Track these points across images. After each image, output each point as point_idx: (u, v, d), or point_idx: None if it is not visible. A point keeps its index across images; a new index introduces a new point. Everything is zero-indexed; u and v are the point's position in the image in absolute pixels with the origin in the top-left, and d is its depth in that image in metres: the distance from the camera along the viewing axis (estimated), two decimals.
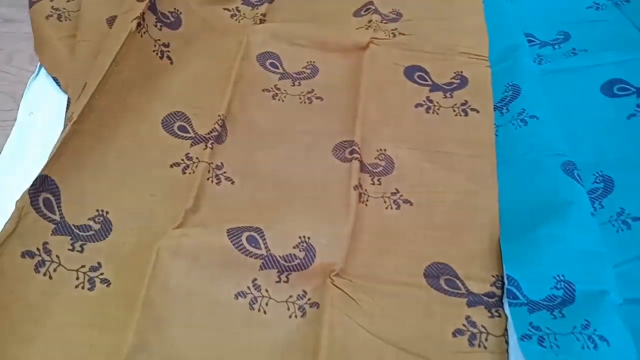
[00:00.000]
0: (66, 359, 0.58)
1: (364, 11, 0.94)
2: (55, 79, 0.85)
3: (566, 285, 0.65)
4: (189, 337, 0.59)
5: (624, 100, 0.85)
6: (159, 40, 0.84)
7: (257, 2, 0.97)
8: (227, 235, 0.64)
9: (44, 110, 0.83)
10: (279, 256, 0.64)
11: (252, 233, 0.65)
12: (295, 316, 0.63)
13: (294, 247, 0.65)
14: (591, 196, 0.75)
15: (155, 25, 0.84)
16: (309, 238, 0.66)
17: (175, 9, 0.88)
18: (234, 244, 0.63)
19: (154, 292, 0.60)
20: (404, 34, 0.91)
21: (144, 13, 0.81)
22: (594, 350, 0.58)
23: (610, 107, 0.85)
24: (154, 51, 0.83)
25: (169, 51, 0.85)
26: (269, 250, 0.64)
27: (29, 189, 0.65)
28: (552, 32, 0.99)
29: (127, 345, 0.56)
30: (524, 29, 0.98)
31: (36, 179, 0.66)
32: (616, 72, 0.88)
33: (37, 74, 0.87)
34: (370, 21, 0.91)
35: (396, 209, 0.73)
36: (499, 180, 0.77)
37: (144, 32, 0.82)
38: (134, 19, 0.79)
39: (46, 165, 0.68)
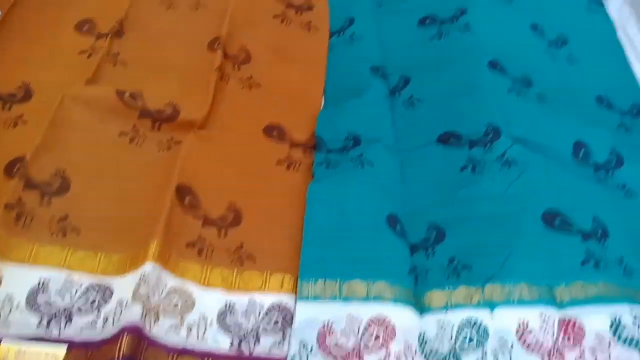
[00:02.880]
0: None
1: None
2: None
3: (355, 137, 0.93)
4: (80, 153, 0.84)
5: (430, 28, 1.15)
6: None
7: None
8: (115, 93, 0.89)
9: None
10: (153, 110, 0.90)
11: (134, 92, 0.91)
12: (163, 150, 0.89)
13: (164, 105, 0.91)
14: (394, 90, 1.05)
15: None
16: (176, 102, 0.92)
17: None
18: (119, 98, 0.89)
19: (57, 121, 0.84)
20: None
21: None
22: (361, 168, 0.87)
23: (420, 33, 1.15)
24: None
25: None
26: (145, 105, 0.90)
27: None
28: None
29: (33, 147, 0.80)
30: None
31: None
32: (430, 10, 1.18)
33: None
34: None
35: (249, 89, 1.01)
36: (327, 78, 1.06)
37: None
38: None
39: None
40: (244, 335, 0.70)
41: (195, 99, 0.94)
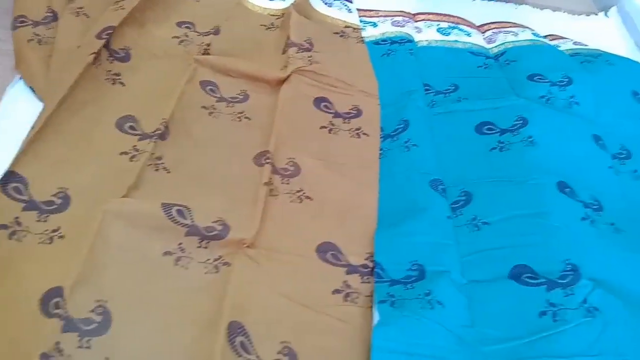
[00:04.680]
0: (20, 290, 0.73)
1: (286, 47, 1.17)
2: (31, 88, 1.02)
3: (419, 267, 0.85)
4: (122, 280, 0.76)
5: (489, 137, 1.09)
6: (111, 71, 1.04)
7: (204, 32, 1.19)
8: (161, 207, 0.82)
9: (18, 112, 0.99)
10: (201, 227, 0.83)
11: (181, 208, 0.83)
12: (210, 272, 0.81)
13: (213, 222, 0.84)
14: (454, 206, 0.97)
15: (108, 59, 1.05)
16: (225, 219, 0.85)
17: (125, 46, 1.09)
18: (165, 214, 0.81)
19: (98, 242, 0.76)
20: (318, 62, 1.14)
21: (100, 50, 1.01)
22: (430, 310, 0.78)
23: (479, 142, 1.09)
24: (106, 79, 1.03)
25: (120, 79, 1.04)
26: (194, 221, 0.83)
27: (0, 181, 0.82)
28: (445, 83, 1.24)
29: (72, 278, 0.72)
30: (423, 80, 1.22)
31: (5, 173, 0.83)
32: (487, 116, 1.13)
33: (15, 84, 1.04)
34: (289, 57, 1.13)
35: (299, 202, 0.93)
36: (381, 188, 0.98)
37: (98, 65, 1.02)
38: (91, 53, 0.99)
39: (13, 163, 0.85)
40: None
41: (243, 215, 0.87)
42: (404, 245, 0.87)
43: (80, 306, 0.70)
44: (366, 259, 0.87)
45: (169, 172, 0.92)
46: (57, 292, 0.71)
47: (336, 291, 0.83)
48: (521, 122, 1.07)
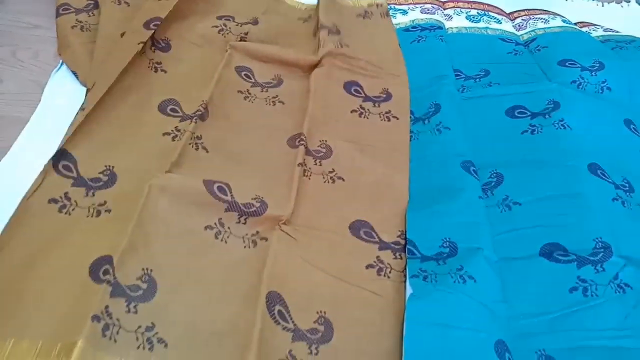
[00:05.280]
0: (71, 259, 0.77)
1: (317, 30, 1.20)
2: (74, 73, 1.07)
3: (451, 244, 0.87)
4: (166, 251, 0.79)
5: (521, 121, 1.10)
6: (153, 59, 1.08)
7: (243, 22, 1.22)
8: (203, 183, 0.85)
9: (62, 95, 1.04)
10: (241, 203, 0.86)
11: (222, 185, 0.86)
12: (248, 246, 0.84)
13: (252, 199, 0.87)
14: (486, 187, 0.99)
15: (151, 48, 1.09)
16: (262, 197, 0.88)
17: (165, 37, 1.13)
18: (207, 190, 0.85)
19: (144, 216, 0.80)
20: (348, 45, 1.16)
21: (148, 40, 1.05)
22: (463, 284, 0.80)
23: (510, 125, 1.10)
24: (148, 67, 1.07)
25: (162, 67, 1.09)
26: (234, 198, 0.86)
27: (52, 159, 0.86)
28: (476, 69, 1.25)
29: (121, 248, 0.75)
30: (454, 65, 1.23)
31: (57, 152, 0.87)
32: (518, 100, 1.14)
33: (58, 69, 1.09)
34: (319, 40, 1.16)
35: (331, 183, 0.96)
36: (413, 170, 1.00)
37: (142, 53, 1.06)
38: (140, 42, 1.03)
39: (64, 142, 0.89)
40: None
41: (279, 194, 0.90)
42: (436, 224, 0.89)
43: (128, 273, 0.74)
44: (398, 237, 0.89)
45: (208, 151, 0.95)
46: (106, 260, 0.75)
47: (369, 266, 0.85)
48: (552, 105, 1.08)
